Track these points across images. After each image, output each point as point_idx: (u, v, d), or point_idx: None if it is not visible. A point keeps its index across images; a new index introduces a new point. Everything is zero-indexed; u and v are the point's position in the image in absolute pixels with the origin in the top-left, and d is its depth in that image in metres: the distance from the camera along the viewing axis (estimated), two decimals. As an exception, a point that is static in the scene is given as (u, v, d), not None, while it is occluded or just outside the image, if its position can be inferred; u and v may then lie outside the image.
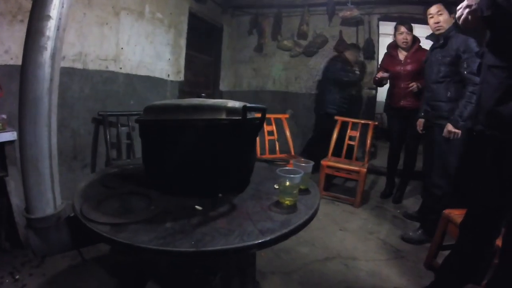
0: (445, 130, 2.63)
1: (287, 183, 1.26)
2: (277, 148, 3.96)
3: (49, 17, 1.20)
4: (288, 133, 4.04)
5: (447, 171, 2.72)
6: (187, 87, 4.84)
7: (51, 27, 1.21)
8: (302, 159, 1.54)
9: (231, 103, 1.29)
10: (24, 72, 1.15)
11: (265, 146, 3.87)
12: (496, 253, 1.80)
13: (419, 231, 2.89)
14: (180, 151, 1.25)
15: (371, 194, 4.21)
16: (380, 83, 3.84)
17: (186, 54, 4.77)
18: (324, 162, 3.74)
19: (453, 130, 2.57)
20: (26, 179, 1.21)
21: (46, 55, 1.19)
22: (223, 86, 6.03)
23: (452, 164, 2.71)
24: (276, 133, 3.97)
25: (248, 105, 1.22)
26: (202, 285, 1.43)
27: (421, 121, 3.12)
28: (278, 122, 4.06)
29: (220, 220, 1.12)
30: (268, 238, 0.99)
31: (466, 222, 1.75)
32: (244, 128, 1.26)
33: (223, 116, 1.24)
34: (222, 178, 1.31)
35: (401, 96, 3.58)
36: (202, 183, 1.30)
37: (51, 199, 1.27)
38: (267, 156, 3.73)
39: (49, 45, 1.20)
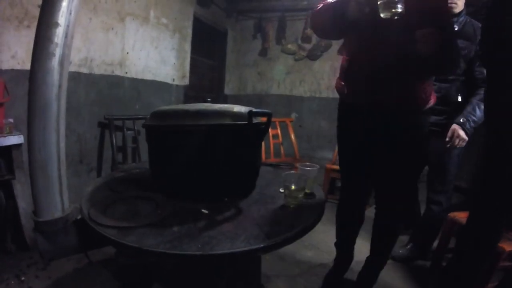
0: (451, 134, 2.10)
1: (293, 187, 1.27)
2: (282, 151, 3.95)
3: (57, 24, 1.22)
4: (293, 137, 4.04)
5: (446, 185, 2.34)
6: (192, 91, 4.86)
7: (59, 34, 1.23)
8: (308, 163, 1.55)
9: (237, 108, 1.30)
10: (33, 78, 1.17)
11: (270, 150, 3.87)
12: (501, 255, 1.79)
13: (409, 246, 2.57)
14: (186, 156, 1.26)
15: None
16: None
17: (191, 58, 4.80)
18: (328, 166, 3.73)
19: (463, 135, 2.06)
20: (35, 183, 1.23)
21: (55, 61, 1.21)
22: (227, 90, 6.06)
23: (452, 175, 2.32)
24: (281, 136, 3.97)
25: (254, 110, 1.23)
26: (207, 288, 1.44)
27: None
28: (283, 126, 4.06)
29: (226, 224, 1.13)
30: (274, 242, 0.99)
31: (469, 225, 1.74)
32: (250, 133, 1.27)
33: (229, 121, 1.25)
34: (228, 183, 1.32)
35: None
36: (208, 187, 1.31)
37: (59, 203, 1.29)
38: (272, 159, 3.73)
39: (58, 51, 1.22)
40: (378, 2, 1.24)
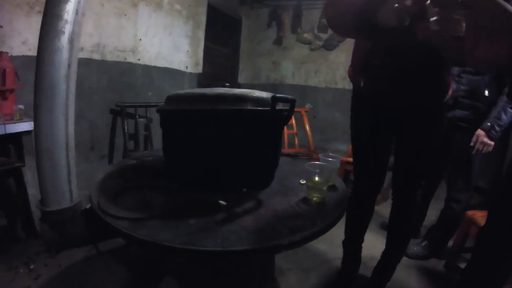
0: (475, 139, 2.07)
1: (317, 179, 1.19)
2: (296, 142, 3.88)
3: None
4: (308, 128, 3.96)
5: (470, 184, 2.28)
6: (206, 80, 4.81)
7: (69, 10, 1.14)
8: (330, 154, 1.47)
9: (258, 93, 1.21)
10: (40, 57, 1.10)
11: (284, 140, 3.79)
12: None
13: (423, 244, 2.51)
14: (203, 143, 1.18)
15: (391, 192, 4.08)
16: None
17: (205, 46, 4.74)
18: (344, 158, 3.63)
19: (487, 141, 2.03)
20: (41, 170, 1.16)
21: (64, 39, 1.13)
22: (241, 79, 5.99)
23: (475, 173, 2.26)
24: (295, 127, 3.90)
25: (278, 95, 1.14)
26: (221, 282, 1.37)
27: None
28: (298, 117, 3.99)
29: (246, 217, 1.04)
30: (299, 238, 0.91)
31: (488, 226, 1.64)
32: (272, 120, 1.19)
33: (250, 107, 1.16)
34: (247, 172, 1.24)
35: None
36: (226, 177, 1.23)
37: (67, 191, 1.22)
38: (286, 150, 3.65)
39: (67, 29, 1.14)
40: (431, 19, 0.82)
